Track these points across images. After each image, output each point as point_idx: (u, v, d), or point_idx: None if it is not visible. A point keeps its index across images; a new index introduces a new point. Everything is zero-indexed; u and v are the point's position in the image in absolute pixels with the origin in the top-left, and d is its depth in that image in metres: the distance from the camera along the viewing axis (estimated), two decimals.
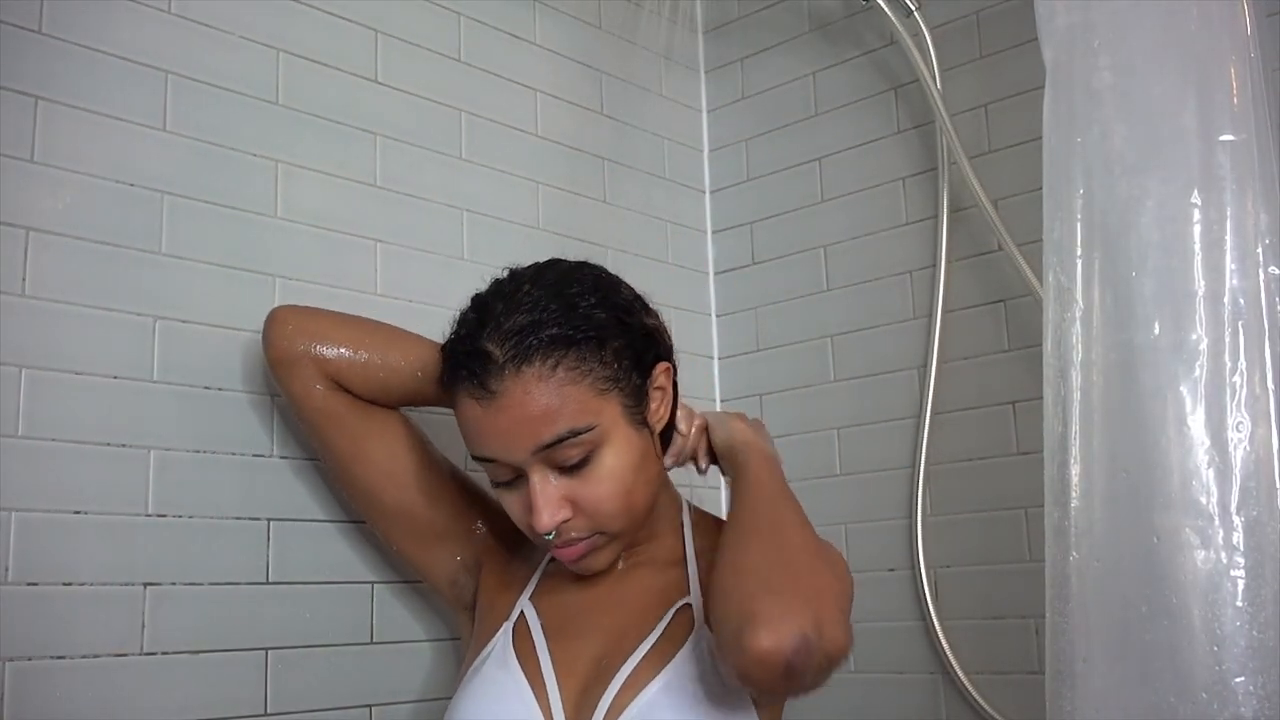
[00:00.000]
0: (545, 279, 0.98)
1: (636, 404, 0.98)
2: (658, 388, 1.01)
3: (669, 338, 1.05)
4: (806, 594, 0.84)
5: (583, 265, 1.02)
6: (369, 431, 1.09)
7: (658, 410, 1.02)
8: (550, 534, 0.95)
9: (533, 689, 0.97)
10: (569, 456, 0.94)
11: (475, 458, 0.98)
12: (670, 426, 1.05)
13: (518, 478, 0.96)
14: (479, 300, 1.00)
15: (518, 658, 1.00)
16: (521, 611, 1.04)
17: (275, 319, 1.07)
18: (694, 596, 0.99)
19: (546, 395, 0.92)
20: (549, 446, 0.93)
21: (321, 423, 1.08)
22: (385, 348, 1.07)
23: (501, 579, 1.09)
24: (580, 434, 0.93)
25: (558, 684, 0.97)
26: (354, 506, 1.17)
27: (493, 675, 0.99)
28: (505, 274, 1.02)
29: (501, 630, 1.03)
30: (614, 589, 1.03)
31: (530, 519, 0.95)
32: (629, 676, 0.94)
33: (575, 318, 0.94)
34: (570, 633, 1.01)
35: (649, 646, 0.96)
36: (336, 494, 1.20)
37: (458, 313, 1.01)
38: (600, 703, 0.93)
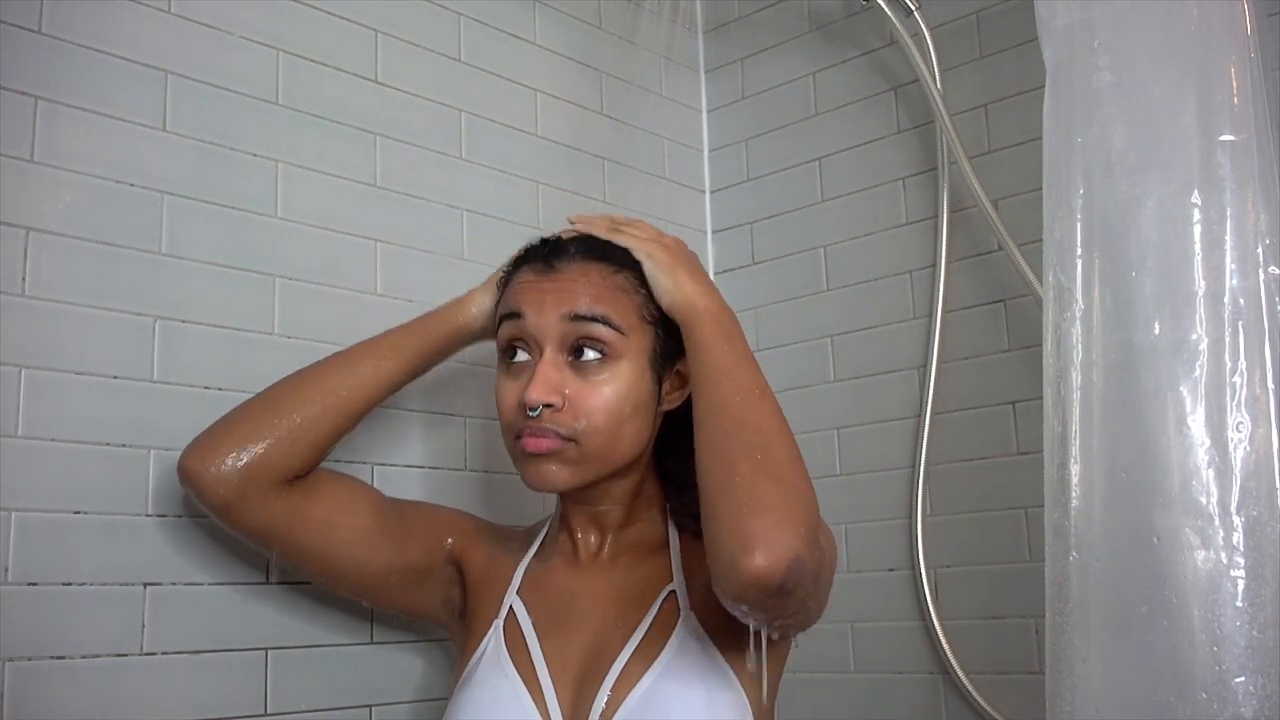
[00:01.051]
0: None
1: (662, 361, 1.00)
2: (681, 372, 1.02)
3: None
4: (797, 507, 0.84)
5: None
6: (329, 511, 1.04)
7: (673, 391, 1.03)
8: (535, 411, 0.95)
9: (529, 689, 0.97)
10: (591, 343, 0.96)
11: (503, 318, 1.00)
12: (670, 421, 1.04)
13: (526, 361, 0.98)
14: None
15: (511, 657, 1.00)
16: (510, 607, 1.04)
17: (193, 471, 0.99)
18: (678, 582, 0.99)
19: (601, 285, 0.98)
20: (580, 318, 0.96)
21: (292, 533, 1.03)
22: (298, 392, 1.03)
23: (485, 577, 1.09)
24: (612, 326, 0.96)
25: (553, 683, 0.97)
26: (341, 591, 1.13)
27: (488, 677, 0.99)
28: None
29: (493, 628, 1.03)
30: (600, 580, 1.03)
31: (525, 390, 0.95)
32: (622, 672, 0.94)
33: (630, 260, 1.02)
34: (561, 629, 1.01)
35: (639, 640, 0.96)
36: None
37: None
38: (596, 700, 0.94)
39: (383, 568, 1.07)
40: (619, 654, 0.95)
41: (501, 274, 1.07)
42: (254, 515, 1.00)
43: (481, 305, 1.09)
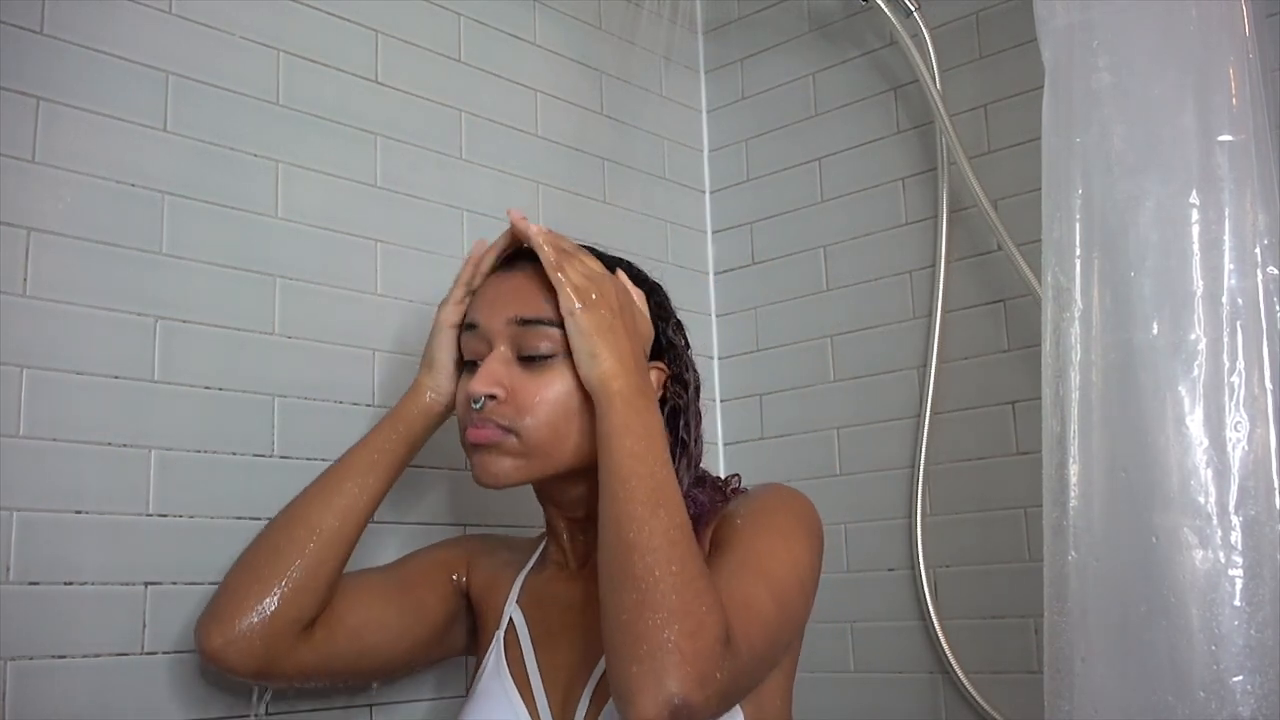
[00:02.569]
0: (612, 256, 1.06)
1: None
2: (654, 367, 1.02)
3: (693, 378, 1.05)
4: (685, 644, 0.79)
5: None
6: (352, 628, 1.03)
7: None
8: (478, 403, 0.95)
9: (523, 699, 0.99)
10: (536, 346, 0.96)
11: (464, 328, 1.02)
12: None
13: (479, 363, 0.99)
14: None
15: (509, 668, 1.01)
16: (510, 618, 1.05)
17: (217, 651, 0.97)
18: None
19: (549, 288, 0.96)
20: (526, 322, 0.96)
21: (328, 665, 1.03)
22: (289, 542, 1.01)
23: (488, 593, 1.10)
24: (557, 326, 0.95)
25: (545, 692, 0.98)
26: (392, 676, 1.17)
27: (489, 688, 1.01)
28: None
29: (495, 640, 1.05)
30: (587, 587, 1.02)
31: (471, 383, 0.97)
32: (601, 679, 0.94)
33: (619, 268, 1.03)
34: (554, 637, 1.02)
35: None
36: None
37: None
38: (578, 708, 0.94)
39: (416, 640, 1.08)
40: (597, 664, 0.95)
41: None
42: (288, 668, 0.99)
43: (434, 383, 1.06)
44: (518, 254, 1.02)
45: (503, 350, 0.97)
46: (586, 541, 1.04)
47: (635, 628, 0.81)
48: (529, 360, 0.97)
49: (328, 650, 1.01)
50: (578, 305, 0.94)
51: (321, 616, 1.01)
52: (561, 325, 0.95)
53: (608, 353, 0.93)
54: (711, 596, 0.82)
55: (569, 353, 0.95)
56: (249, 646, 0.96)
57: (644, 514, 0.85)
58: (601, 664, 0.94)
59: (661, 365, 1.03)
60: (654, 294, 1.07)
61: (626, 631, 0.81)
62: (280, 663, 0.98)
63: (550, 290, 0.96)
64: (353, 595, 1.05)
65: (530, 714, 0.97)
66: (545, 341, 0.96)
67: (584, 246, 1.04)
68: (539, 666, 1.00)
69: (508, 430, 0.96)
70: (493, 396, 0.95)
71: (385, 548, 1.23)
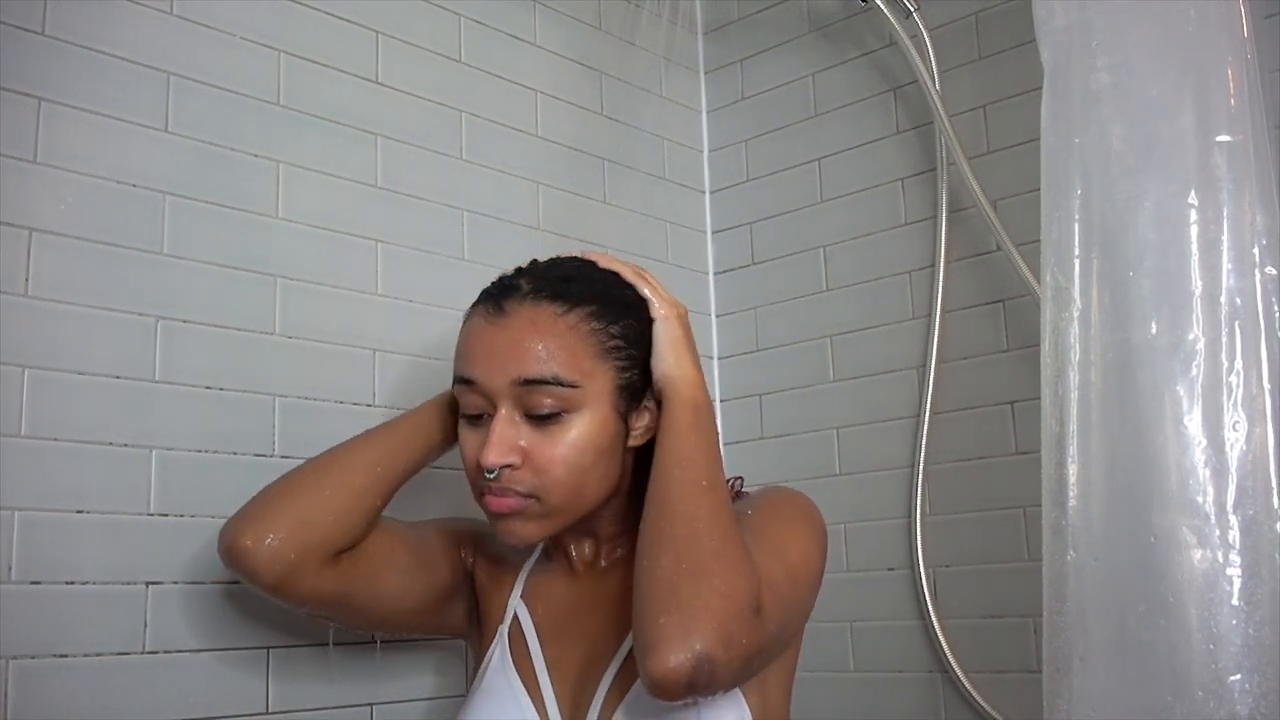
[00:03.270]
0: (598, 266, 1.01)
1: (627, 398, 0.96)
2: (647, 408, 0.98)
3: None
4: (714, 603, 0.81)
5: None
6: (372, 568, 1.03)
7: (639, 427, 0.98)
8: (493, 473, 0.93)
9: (530, 695, 0.98)
10: (542, 405, 0.93)
11: (457, 380, 0.97)
12: (645, 457, 0.99)
13: (485, 416, 0.96)
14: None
15: (515, 663, 1.00)
16: (515, 613, 1.04)
17: (245, 550, 0.96)
18: None
19: (550, 333, 0.93)
20: (529, 383, 0.92)
21: (342, 599, 1.01)
22: (340, 466, 1.02)
23: (492, 582, 1.09)
24: (563, 385, 0.92)
25: (553, 689, 0.97)
26: (380, 631, 1.17)
27: (494, 684, 1.00)
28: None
29: (498, 635, 1.04)
30: (597, 587, 1.02)
31: (481, 453, 0.93)
32: (615, 676, 0.94)
33: (610, 293, 0.98)
34: (561, 635, 1.01)
35: (626, 650, 0.95)
36: None
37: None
38: (591, 707, 0.94)
39: (420, 600, 1.06)
40: (612, 659, 0.95)
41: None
42: (305, 588, 0.98)
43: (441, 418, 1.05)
44: (503, 293, 0.96)
45: (506, 413, 0.94)
46: (594, 546, 1.05)
47: (671, 581, 0.83)
48: (538, 418, 0.94)
49: (347, 583, 1.00)
50: (664, 312, 0.98)
51: (353, 550, 1.01)
52: (568, 383, 0.92)
53: (690, 362, 0.98)
54: (748, 566, 0.85)
55: (576, 408, 0.93)
56: (279, 552, 0.95)
57: (695, 491, 0.89)
58: (616, 661, 0.95)
59: (652, 407, 0.99)
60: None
61: (661, 585, 0.83)
62: (301, 580, 0.97)
63: (552, 342, 0.93)
64: (380, 537, 1.04)
65: (538, 710, 0.97)
66: (550, 399, 0.93)
67: (575, 258, 1.02)
68: (546, 663, 0.99)
69: (529, 496, 0.94)
70: (508, 465, 0.93)
71: None
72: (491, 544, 1.13)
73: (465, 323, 0.99)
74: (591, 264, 1.01)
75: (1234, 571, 0.80)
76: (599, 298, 0.96)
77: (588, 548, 1.05)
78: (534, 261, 1.01)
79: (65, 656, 1.00)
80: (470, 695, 1.02)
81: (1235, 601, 0.79)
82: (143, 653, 1.05)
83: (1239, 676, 0.78)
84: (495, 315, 0.95)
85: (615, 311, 0.97)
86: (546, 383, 0.92)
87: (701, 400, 0.96)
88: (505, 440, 0.93)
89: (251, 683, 1.11)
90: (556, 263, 1.00)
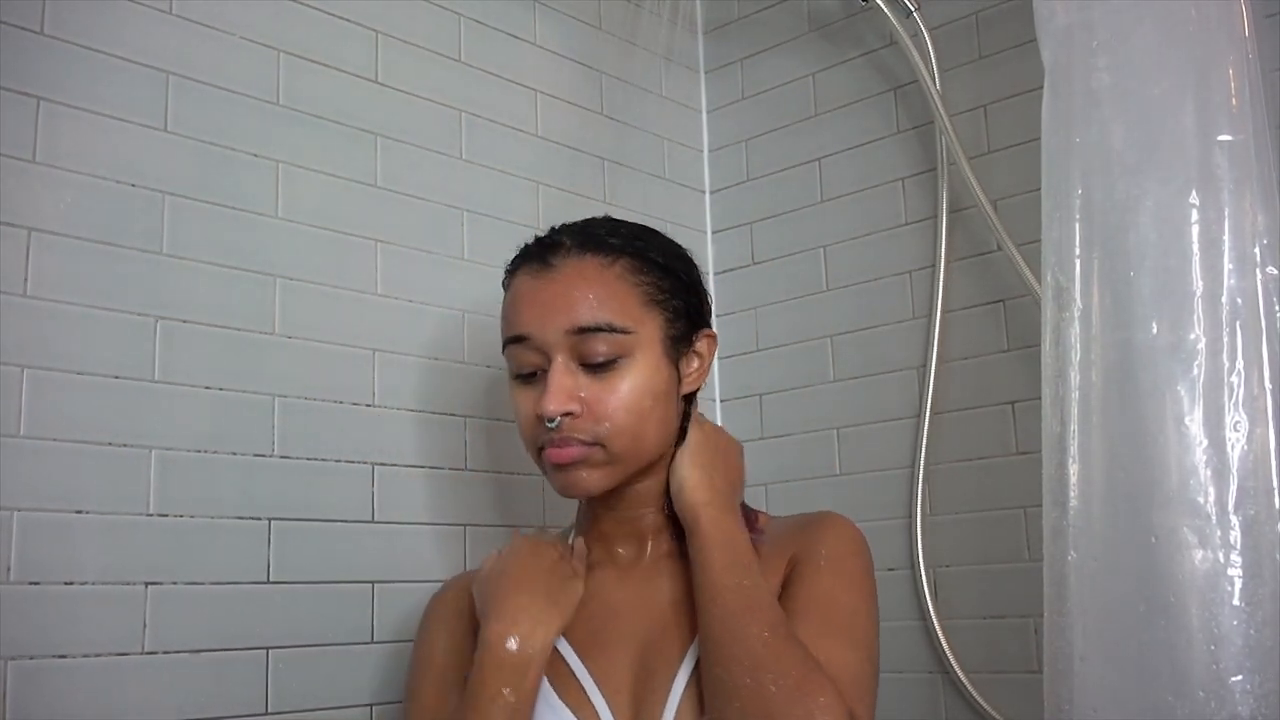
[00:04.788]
0: (628, 222, 1.03)
1: (676, 343, 0.98)
2: (697, 351, 1.01)
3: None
4: None
5: None
6: None
7: (691, 371, 1.00)
8: (554, 423, 0.92)
9: (577, 714, 0.91)
10: (598, 352, 0.93)
11: (509, 341, 0.97)
12: (691, 402, 1.02)
13: (537, 373, 0.95)
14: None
15: (555, 686, 0.93)
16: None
17: None
18: None
19: (599, 283, 0.94)
20: (584, 330, 0.93)
21: None
22: None
23: None
24: (616, 331, 0.93)
25: (606, 703, 0.92)
26: None
27: (536, 714, 0.91)
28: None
29: None
30: (642, 590, 0.99)
31: (540, 404, 0.93)
32: (686, 688, 0.90)
33: (650, 242, 1.00)
34: (606, 647, 0.96)
35: (696, 654, 0.91)
36: (338, 496, 1.21)
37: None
38: (664, 714, 0.89)
39: None
40: (676, 672, 0.91)
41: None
42: None
43: (519, 630, 0.91)
44: (548, 249, 0.97)
45: (563, 361, 0.94)
46: (640, 543, 1.01)
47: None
48: (593, 367, 0.94)
49: None
50: (691, 432, 1.00)
51: None
52: (621, 329, 0.94)
53: (697, 475, 0.98)
54: (826, 688, 0.83)
55: (630, 352, 0.94)
56: None
57: (738, 626, 0.87)
58: (683, 674, 0.91)
59: (711, 332, 1.03)
60: (689, 265, 1.05)
61: None
62: None
63: (601, 291, 0.94)
64: None
65: None
66: (605, 346, 0.93)
67: (604, 218, 1.03)
68: (594, 678, 0.93)
69: (592, 444, 0.94)
70: (569, 413, 0.93)
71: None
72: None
73: (510, 283, 0.99)
74: (623, 220, 1.03)
75: (1235, 572, 0.79)
76: (640, 251, 0.98)
77: (632, 546, 1.02)
78: (563, 224, 1.02)
79: (65, 657, 1.00)
80: None
81: (1236, 602, 0.79)
82: (142, 653, 1.05)
83: (1240, 677, 0.78)
84: (542, 270, 0.96)
85: (657, 263, 0.98)
86: (600, 329, 0.93)
87: (712, 509, 0.95)
88: (564, 389, 0.93)
89: (251, 683, 1.11)
90: (592, 221, 1.02)
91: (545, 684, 0.93)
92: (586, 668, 0.95)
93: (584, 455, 0.94)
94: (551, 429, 0.93)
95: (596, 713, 0.92)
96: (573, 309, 0.94)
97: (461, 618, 1.01)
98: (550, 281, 0.95)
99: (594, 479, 0.95)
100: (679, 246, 1.05)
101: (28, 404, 1.01)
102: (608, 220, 1.02)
